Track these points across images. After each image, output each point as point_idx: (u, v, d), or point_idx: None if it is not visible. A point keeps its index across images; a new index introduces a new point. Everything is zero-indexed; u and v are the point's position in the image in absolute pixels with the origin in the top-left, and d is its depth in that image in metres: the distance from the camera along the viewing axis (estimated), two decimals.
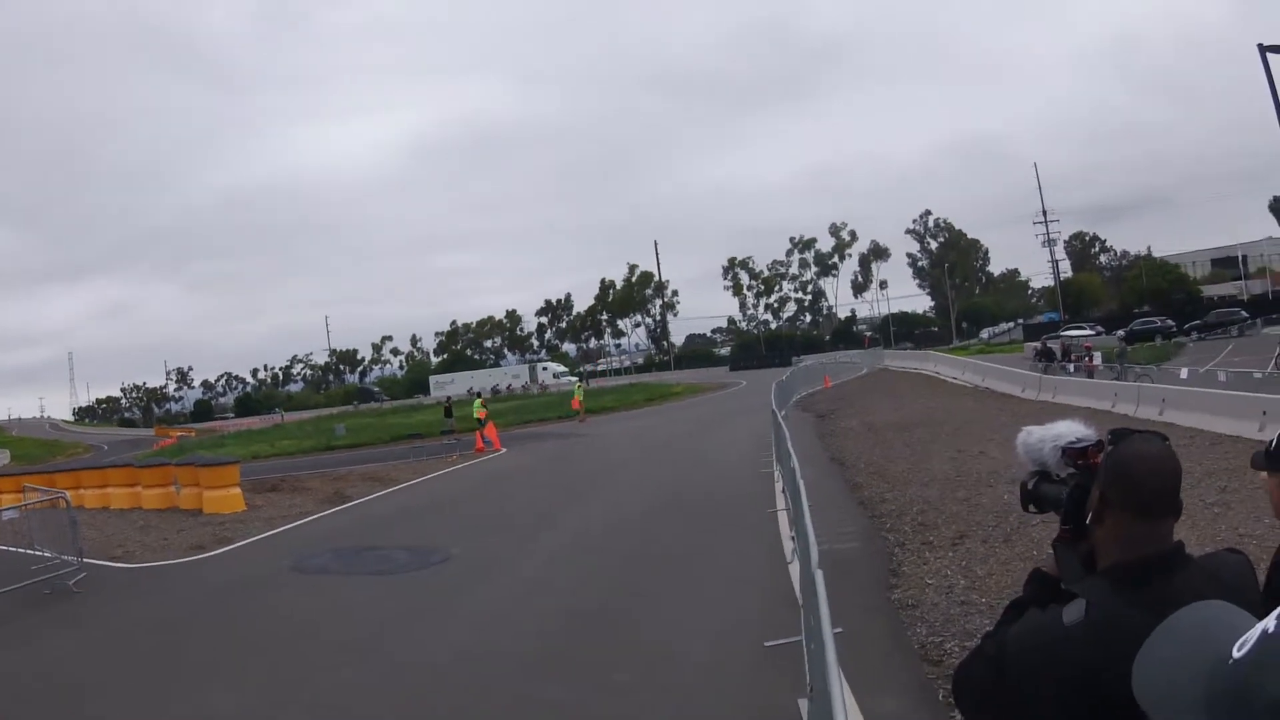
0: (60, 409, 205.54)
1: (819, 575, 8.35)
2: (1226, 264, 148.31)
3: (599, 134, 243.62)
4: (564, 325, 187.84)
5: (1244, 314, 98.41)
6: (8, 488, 35.56)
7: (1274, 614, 1.54)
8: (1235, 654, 1.61)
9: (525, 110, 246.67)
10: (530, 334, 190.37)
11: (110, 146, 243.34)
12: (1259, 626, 1.60)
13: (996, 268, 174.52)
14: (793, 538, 16.77)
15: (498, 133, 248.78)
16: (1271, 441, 5.32)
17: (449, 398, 63.19)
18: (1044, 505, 3.63)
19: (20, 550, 23.30)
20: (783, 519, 20.33)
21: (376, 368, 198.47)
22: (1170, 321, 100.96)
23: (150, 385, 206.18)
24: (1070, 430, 3.61)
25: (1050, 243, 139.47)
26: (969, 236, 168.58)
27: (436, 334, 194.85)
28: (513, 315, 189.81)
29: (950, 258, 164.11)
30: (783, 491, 22.51)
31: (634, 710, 11.03)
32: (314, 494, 34.76)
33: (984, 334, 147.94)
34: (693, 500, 26.27)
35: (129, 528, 29.49)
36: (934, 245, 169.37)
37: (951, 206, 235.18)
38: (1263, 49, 31.41)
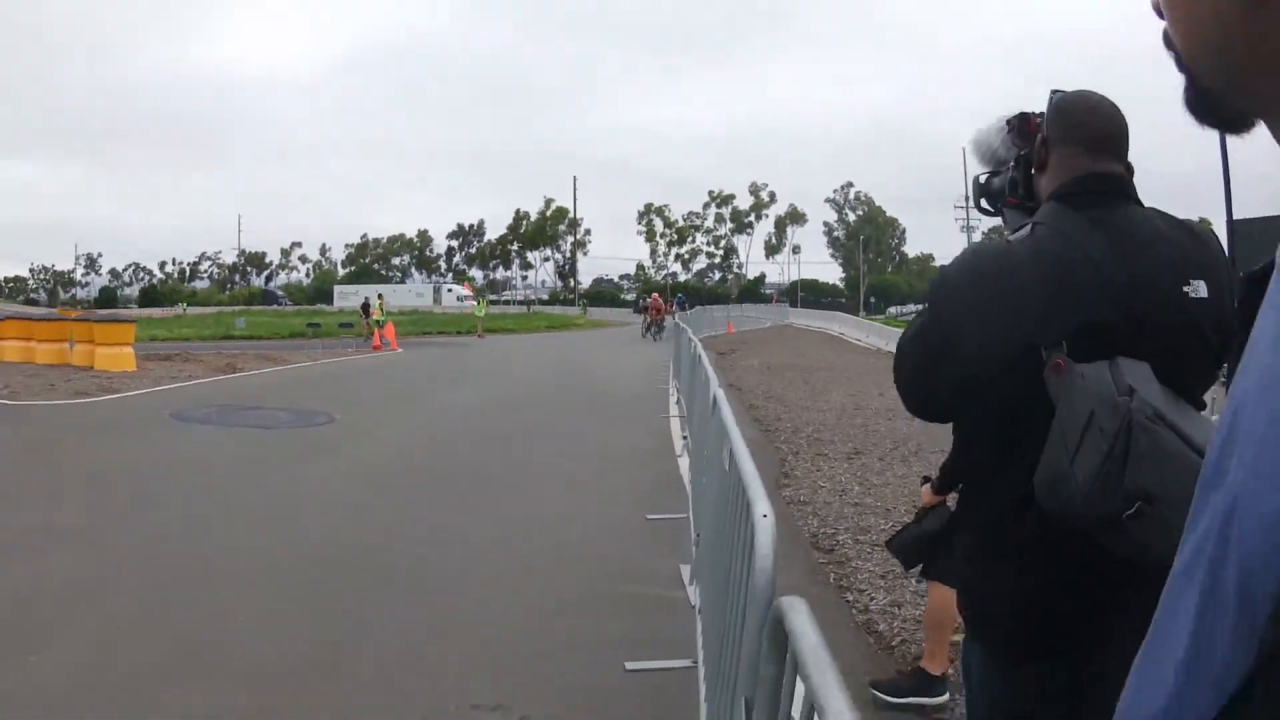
0: None
1: (721, 394, 8.04)
2: None
3: (531, 62, 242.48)
4: (474, 251, 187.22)
5: None
6: None
7: None
8: None
9: (460, 28, 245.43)
10: (439, 256, 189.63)
11: (37, 18, 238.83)
12: None
13: (912, 250, 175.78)
14: (685, 436, 16.37)
15: (430, 49, 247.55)
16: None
17: (366, 298, 62.19)
18: (993, 196, 3.64)
19: None
20: (675, 424, 19.98)
21: (283, 273, 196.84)
22: None
23: (59, 269, 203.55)
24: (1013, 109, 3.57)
25: (969, 230, 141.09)
26: (887, 214, 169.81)
27: (346, 245, 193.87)
28: (424, 235, 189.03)
29: (866, 232, 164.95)
30: (677, 402, 22.19)
31: (506, 564, 10.49)
32: (205, 364, 34.01)
33: (891, 310, 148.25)
34: (586, 399, 26.27)
35: (17, 374, 28.64)
36: (852, 218, 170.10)
37: (875, 182, 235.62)
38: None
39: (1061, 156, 3.19)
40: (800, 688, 2.45)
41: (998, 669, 3.16)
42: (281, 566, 10.00)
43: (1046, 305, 2.91)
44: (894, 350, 3.60)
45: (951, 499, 6.41)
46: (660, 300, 72.96)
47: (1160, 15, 1.11)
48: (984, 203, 3.72)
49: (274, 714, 6.71)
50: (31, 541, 10.66)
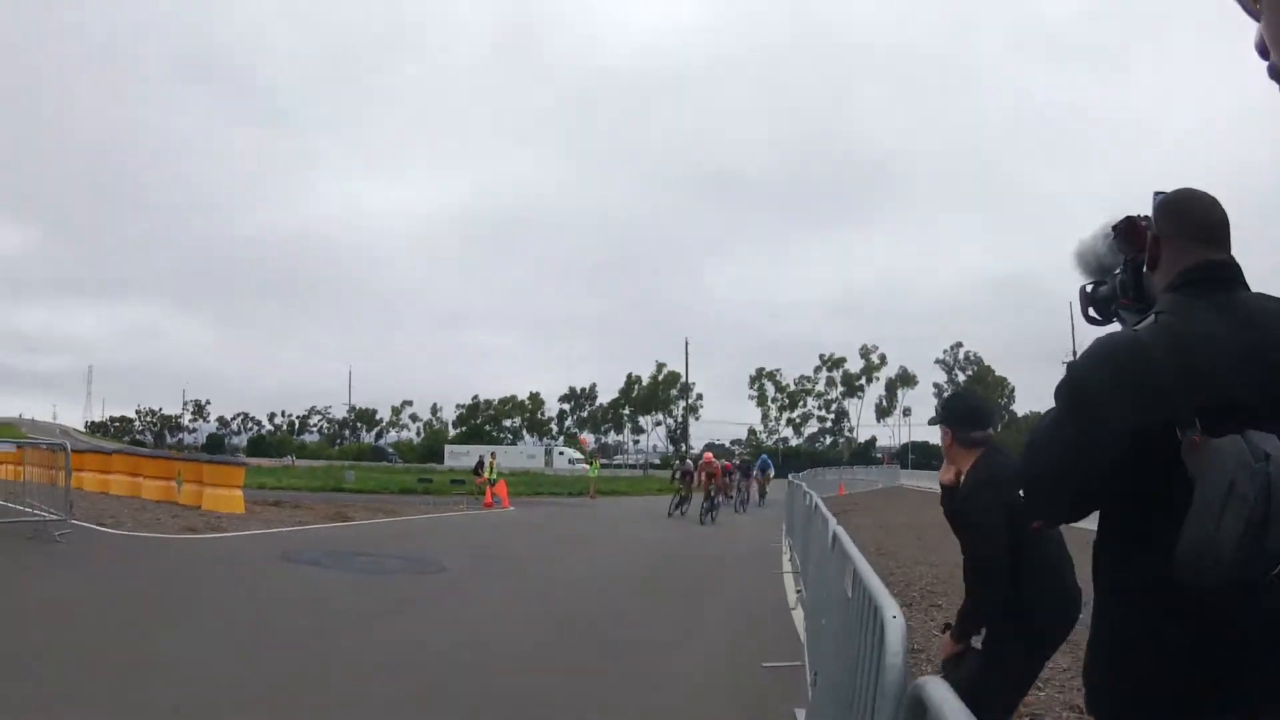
0: (73, 419, 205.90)
1: (841, 530, 8.14)
2: None
3: (640, 228, 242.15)
4: (585, 414, 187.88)
5: None
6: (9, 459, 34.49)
7: None
8: None
9: (570, 196, 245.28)
10: (551, 419, 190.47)
11: (159, 171, 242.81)
12: None
13: (1021, 408, 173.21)
14: (799, 591, 16.61)
15: (541, 215, 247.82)
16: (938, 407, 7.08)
17: (481, 457, 61.69)
18: (1103, 303, 3.90)
19: (13, 505, 23.49)
20: (788, 580, 20.17)
21: (394, 431, 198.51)
22: None
23: (166, 412, 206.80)
24: (1116, 215, 3.82)
25: None
26: (997, 373, 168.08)
27: (457, 406, 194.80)
28: (535, 398, 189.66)
29: (977, 391, 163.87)
30: (790, 560, 22.48)
31: (638, 699, 10.71)
32: (315, 512, 34.42)
33: None
34: (699, 557, 26.45)
35: (124, 508, 29.17)
36: (961, 378, 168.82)
37: (983, 341, 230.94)
38: None
39: (1174, 251, 3.45)
40: None
41: None
42: (399, 709, 10.08)
43: (1178, 385, 3.04)
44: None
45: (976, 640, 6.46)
46: (715, 462, 46.30)
47: (1264, 55, 1.22)
48: (1092, 311, 3.93)
49: None
50: (148, 671, 10.80)
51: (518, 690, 11.00)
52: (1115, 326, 3.81)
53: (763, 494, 61.27)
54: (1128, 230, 3.70)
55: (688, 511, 43.89)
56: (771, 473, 66.59)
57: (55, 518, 21.25)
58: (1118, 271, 3.81)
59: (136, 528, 24.21)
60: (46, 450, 24.77)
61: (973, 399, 7.97)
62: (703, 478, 44.12)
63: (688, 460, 52.87)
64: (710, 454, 48.59)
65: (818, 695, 8.32)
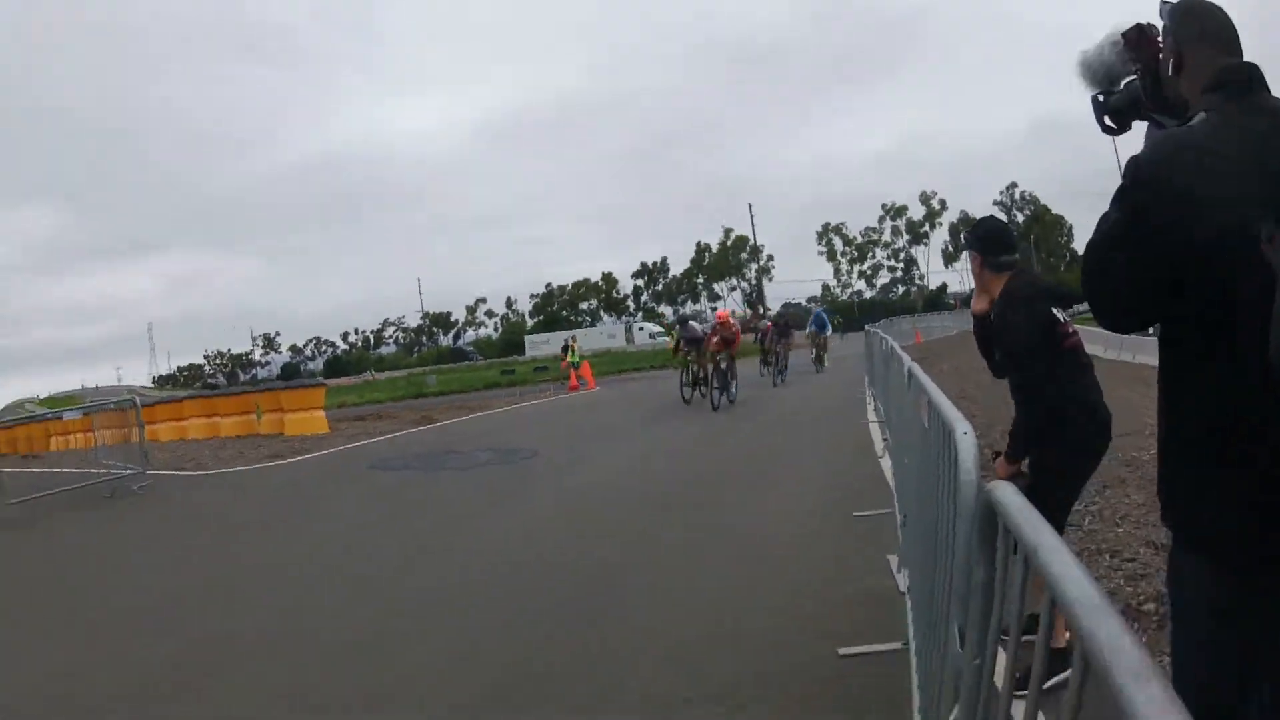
0: (140, 378, 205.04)
1: (916, 366, 8.19)
2: None
3: (688, 105, 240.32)
4: (660, 288, 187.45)
5: None
6: (78, 428, 33.68)
7: None
8: None
9: (615, 82, 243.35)
10: (626, 296, 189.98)
11: (180, 125, 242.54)
12: None
13: (1081, 246, 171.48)
14: (885, 439, 16.70)
15: (587, 105, 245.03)
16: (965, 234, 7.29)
17: (566, 340, 61.51)
18: (1119, 113, 3.83)
19: (86, 470, 23.45)
20: (874, 429, 20.16)
21: (471, 330, 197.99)
22: None
23: (235, 352, 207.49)
24: (1120, 25, 3.76)
25: None
26: (1054, 212, 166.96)
27: (531, 296, 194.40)
28: (608, 278, 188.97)
29: (1035, 231, 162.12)
30: (875, 410, 22.44)
31: (733, 555, 10.91)
32: (400, 420, 34.82)
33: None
34: (787, 413, 26.92)
35: (204, 449, 29.48)
36: (1020, 218, 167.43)
37: (1038, 179, 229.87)
38: None
39: (1201, 56, 3.36)
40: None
41: (1215, 579, 3.09)
42: (504, 583, 10.41)
43: (1249, 177, 2.96)
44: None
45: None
46: (731, 321, 32.35)
47: None
48: (1108, 120, 3.86)
49: (508, 696, 7.20)
50: (250, 580, 11.24)
51: (616, 558, 11.22)
52: (1134, 134, 3.77)
53: (820, 360, 48.17)
54: (1139, 38, 3.65)
55: (706, 393, 30.69)
56: (829, 332, 53.54)
57: (132, 471, 21.31)
58: (1128, 80, 3.77)
59: (218, 465, 24.48)
60: (115, 411, 24.91)
61: (999, 223, 7.92)
62: (714, 343, 30.84)
63: (690, 322, 35.02)
64: (725, 311, 35.27)
65: (908, 536, 8.38)
